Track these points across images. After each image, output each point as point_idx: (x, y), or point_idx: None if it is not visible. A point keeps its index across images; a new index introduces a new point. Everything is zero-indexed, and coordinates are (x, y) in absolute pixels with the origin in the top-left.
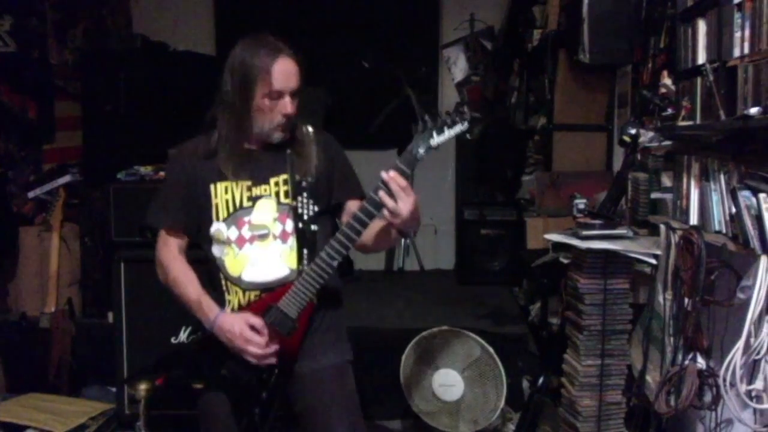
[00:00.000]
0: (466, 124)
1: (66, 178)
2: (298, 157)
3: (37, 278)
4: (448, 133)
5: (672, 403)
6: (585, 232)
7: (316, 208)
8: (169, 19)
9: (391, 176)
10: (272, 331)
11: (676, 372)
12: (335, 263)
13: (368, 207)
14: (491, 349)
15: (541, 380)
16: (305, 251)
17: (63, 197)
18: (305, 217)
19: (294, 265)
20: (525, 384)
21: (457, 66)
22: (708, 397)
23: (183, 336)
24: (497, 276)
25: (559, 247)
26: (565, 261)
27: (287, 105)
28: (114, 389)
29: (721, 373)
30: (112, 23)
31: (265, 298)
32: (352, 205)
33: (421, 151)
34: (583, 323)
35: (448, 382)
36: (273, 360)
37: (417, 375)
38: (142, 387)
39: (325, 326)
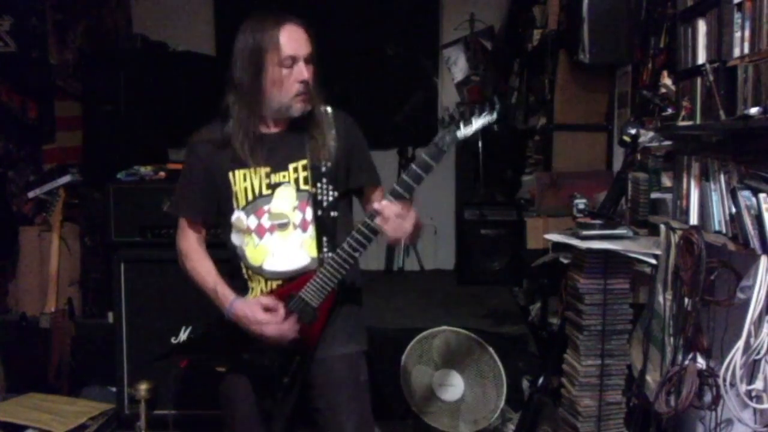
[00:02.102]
0: (494, 114)
1: (66, 178)
2: (316, 141)
3: (37, 278)
4: (476, 124)
5: (672, 403)
6: (585, 232)
7: (336, 194)
8: (169, 19)
9: (382, 206)
10: (293, 317)
11: (676, 372)
12: (357, 254)
13: (365, 231)
14: (491, 349)
15: (541, 380)
16: (325, 239)
17: (63, 197)
18: (324, 203)
19: (314, 253)
20: (525, 384)
21: (457, 66)
22: (708, 397)
23: (183, 336)
24: (497, 276)
25: (559, 247)
26: (565, 261)
27: (302, 71)
28: (114, 389)
29: (721, 373)
30: (112, 23)
31: (288, 286)
32: (372, 193)
33: (448, 141)
34: (583, 323)
35: (448, 382)
36: (292, 336)
37: (417, 375)
38: (142, 387)
39: (345, 315)
